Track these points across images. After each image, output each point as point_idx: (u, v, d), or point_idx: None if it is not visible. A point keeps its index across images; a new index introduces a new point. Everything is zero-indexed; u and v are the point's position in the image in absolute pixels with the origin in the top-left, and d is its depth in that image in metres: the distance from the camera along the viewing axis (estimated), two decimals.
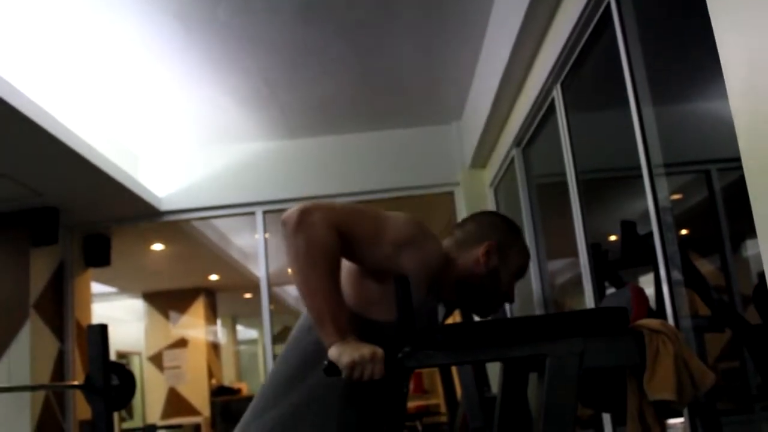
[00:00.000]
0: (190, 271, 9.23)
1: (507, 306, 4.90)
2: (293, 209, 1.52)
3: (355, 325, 1.55)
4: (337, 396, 1.61)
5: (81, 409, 5.47)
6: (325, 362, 1.47)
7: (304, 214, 1.50)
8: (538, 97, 4.03)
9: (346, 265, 1.65)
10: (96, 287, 7.17)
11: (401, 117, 5.62)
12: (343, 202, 1.60)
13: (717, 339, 3.77)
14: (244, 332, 13.93)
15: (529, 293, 4.81)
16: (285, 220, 1.52)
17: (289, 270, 1.54)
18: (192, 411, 9.48)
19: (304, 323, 1.71)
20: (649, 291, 2.75)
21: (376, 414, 1.69)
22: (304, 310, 1.70)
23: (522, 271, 1.86)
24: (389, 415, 1.74)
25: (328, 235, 1.51)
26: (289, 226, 1.51)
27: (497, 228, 1.84)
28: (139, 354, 10.35)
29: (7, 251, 5.31)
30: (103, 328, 2.94)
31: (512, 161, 4.93)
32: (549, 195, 4.74)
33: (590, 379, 1.64)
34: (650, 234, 2.78)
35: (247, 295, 10.80)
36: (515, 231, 1.87)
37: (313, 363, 1.60)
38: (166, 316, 9.95)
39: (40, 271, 5.44)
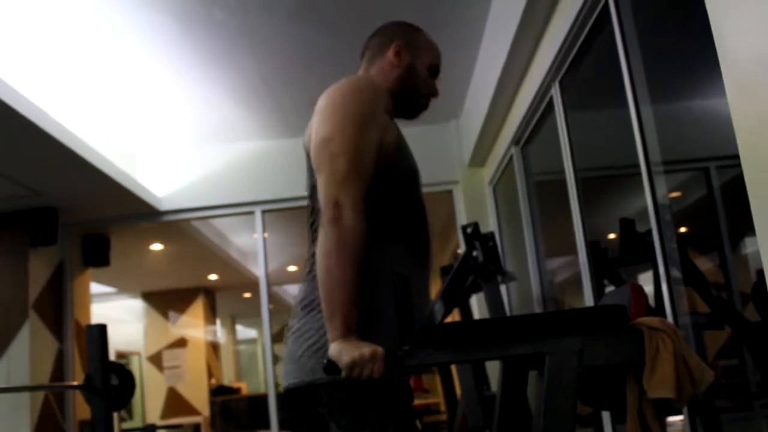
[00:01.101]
0: (189, 270, 9.23)
1: (507, 306, 4.90)
2: (327, 198, 1.55)
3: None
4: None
5: (80, 409, 5.47)
6: (325, 360, 1.47)
7: (337, 205, 1.54)
8: (536, 96, 4.03)
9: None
10: (95, 287, 7.17)
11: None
12: (341, 146, 1.60)
13: (716, 336, 3.77)
14: (243, 332, 13.93)
15: (528, 291, 4.81)
16: (324, 210, 1.56)
17: (318, 254, 1.54)
18: (191, 411, 9.48)
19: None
20: (648, 289, 2.75)
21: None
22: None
23: (435, 63, 1.93)
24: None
25: (360, 222, 1.54)
26: (326, 217, 1.55)
27: (398, 30, 1.94)
28: (138, 354, 10.34)
29: (6, 252, 5.31)
30: (102, 328, 2.94)
31: (511, 159, 4.92)
32: (548, 193, 4.74)
33: (590, 377, 1.64)
34: (649, 232, 2.78)
35: (247, 295, 10.80)
36: (416, 28, 1.96)
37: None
38: (166, 316, 9.95)
39: (39, 271, 5.44)
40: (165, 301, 9.97)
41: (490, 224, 5.56)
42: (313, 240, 1.69)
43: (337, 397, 1.55)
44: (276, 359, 5.86)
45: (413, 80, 1.87)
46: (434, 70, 1.93)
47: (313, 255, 1.66)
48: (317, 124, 1.70)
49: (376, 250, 1.61)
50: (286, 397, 1.71)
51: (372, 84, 1.79)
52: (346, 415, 1.56)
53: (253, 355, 14.20)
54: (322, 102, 1.74)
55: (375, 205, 1.62)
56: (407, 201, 1.77)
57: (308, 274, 1.69)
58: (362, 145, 1.62)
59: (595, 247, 3.60)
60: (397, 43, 1.88)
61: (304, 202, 1.78)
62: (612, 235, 3.87)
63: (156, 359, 9.80)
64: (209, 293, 10.40)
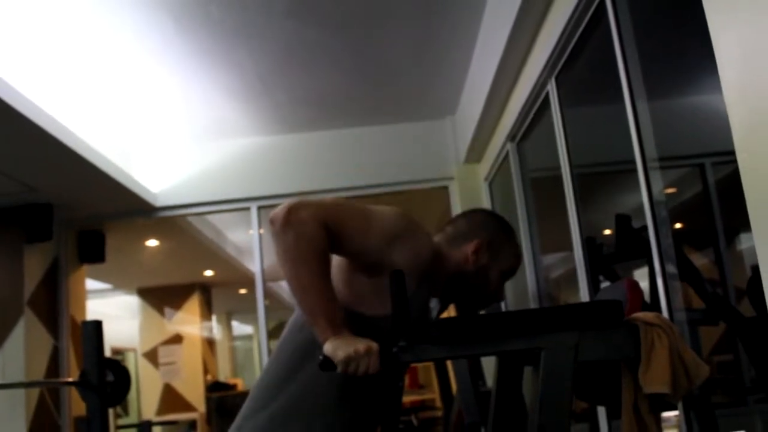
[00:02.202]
0: (184, 267, 9.22)
1: (502, 302, 4.90)
2: (280, 207, 1.52)
3: (347, 321, 1.55)
4: (331, 390, 1.61)
5: (76, 405, 5.46)
6: (320, 357, 1.47)
7: (291, 212, 1.50)
8: (532, 92, 4.03)
9: (336, 260, 1.65)
10: (90, 284, 7.15)
11: (395, 112, 5.61)
12: (331, 198, 1.59)
13: (711, 332, 3.78)
14: (239, 328, 13.93)
15: (524, 287, 4.82)
16: (272, 219, 1.51)
17: (281, 268, 1.53)
18: (187, 407, 9.47)
19: (295, 320, 1.71)
20: (644, 284, 2.75)
21: (371, 408, 1.69)
22: (296, 308, 1.69)
23: (511, 271, 1.85)
24: (384, 410, 1.74)
25: (316, 230, 1.50)
26: (277, 224, 1.50)
27: (489, 226, 1.83)
28: (134, 350, 10.33)
29: (1, 248, 5.29)
30: (97, 325, 2.94)
31: (507, 156, 4.92)
32: (543, 189, 4.75)
33: (585, 372, 1.64)
34: (645, 227, 2.78)
35: (242, 291, 10.80)
36: (507, 230, 1.86)
37: (303, 359, 1.60)
38: (161, 312, 9.94)
39: (34, 267, 5.42)
40: (160, 298, 9.95)
41: None
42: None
43: None
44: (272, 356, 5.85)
45: (481, 282, 1.79)
46: (509, 273, 1.85)
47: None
48: None
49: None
50: None
51: (421, 230, 1.70)
52: None
53: (249, 351, 14.21)
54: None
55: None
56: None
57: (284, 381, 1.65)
58: (356, 217, 1.59)
59: (590, 243, 3.61)
60: (479, 241, 1.78)
61: None
62: (608, 231, 3.88)
63: (152, 355, 9.79)
64: (205, 289, 10.39)
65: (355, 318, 1.59)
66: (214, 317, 11.02)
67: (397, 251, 1.61)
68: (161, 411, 9.46)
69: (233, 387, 10.44)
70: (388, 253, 1.60)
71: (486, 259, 1.78)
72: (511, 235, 1.87)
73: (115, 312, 9.92)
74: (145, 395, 9.75)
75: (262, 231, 5.90)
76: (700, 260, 4.12)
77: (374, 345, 1.46)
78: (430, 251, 1.68)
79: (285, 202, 1.53)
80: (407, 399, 8.68)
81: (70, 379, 5.22)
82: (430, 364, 6.82)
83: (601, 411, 3.53)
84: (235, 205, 5.95)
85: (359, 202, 1.67)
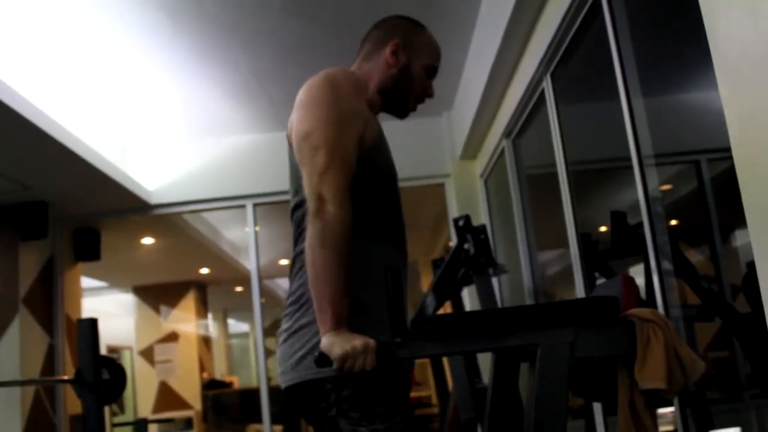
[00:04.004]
0: (180, 264, 9.21)
1: (498, 298, 4.91)
2: (310, 191, 1.56)
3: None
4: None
5: (72, 403, 5.46)
6: (317, 353, 1.47)
7: (320, 198, 1.53)
8: (528, 88, 4.03)
9: None
10: (86, 282, 7.15)
11: None
12: (322, 138, 1.60)
13: (707, 328, 3.79)
14: (235, 326, 13.92)
15: (520, 284, 4.82)
16: (310, 197, 1.56)
17: (306, 248, 1.54)
18: (183, 405, 9.46)
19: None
20: (639, 281, 2.75)
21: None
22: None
23: (434, 64, 1.90)
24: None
25: (343, 213, 1.53)
26: (310, 209, 1.55)
27: (399, 26, 1.90)
28: (129, 348, 10.32)
29: None
30: (93, 323, 2.94)
31: (503, 152, 4.93)
32: (539, 186, 4.75)
33: (581, 368, 1.64)
34: (640, 224, 2.79)
35: (238, 289, 10.79)
36: (417, 23, 1.92)
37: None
38: (157, 310, 9.92)
39: (29, 265, 5.41)
40: (156, 296, 9.94)
41: (481, 217, 5.56)
42: (298, 236, 1.69)
43: (345, 395, 1.55)
44: (268, 353, 5.85)
45: (407, 81, 1.85)
46: (432, 71, 1.90)
47: (300, 252, 1.66)
48: (297, 120, 1.70)
49: (359, 247, 1.60)
50: (285, 396, 1.68)
51: (351, 77, 1.76)
52: (356, 410, 1.54)
53: (244, 348, 14.19)
54: (301, 96, 1.73)
55: (355, 202, 1.61)
56: (386, 198, 1.76)
57: (297, 272, 1.68)
58: (342, 137, 1.62)
59: (586, 239, 3.61)
60: (395, 41, 1.84)
61: None
62: (603, 228, 3.88)
63: (147, 353, 9.78)
64: (201, 287, 10.38)
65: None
66: (210, 315, 11.01)
67: (361, 109, 1.69)
68: (157, 409, 9.45)
69: (229, 385, 10.43)
70: (362, 117, 1.69)
71: (405, 57, 1.84)
72: (422, 27, 1.93)
73: (110, 310, 9.90)
74: (141, 393, 9.74)
75: (257, 228, 5.90)
76: (695, 257, 4.12)
77: (371, 342, 1.46)
78: (352, 83, 1.74)
79: (310, 182, 1.57)
80: None
81: (66, 377, 5.22)
82: (427, 361, 6.83)
83: (597, 407, 3.54)
84: (231, 202, 5.94)
85: (321, 108, 1.66)
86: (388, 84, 1.84)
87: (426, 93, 1.90)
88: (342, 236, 1.52)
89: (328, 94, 1.68)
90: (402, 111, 1.92)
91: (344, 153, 1.60)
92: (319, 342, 1.52)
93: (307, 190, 1.58)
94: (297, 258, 1.69)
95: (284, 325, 1.68)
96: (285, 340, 1.66)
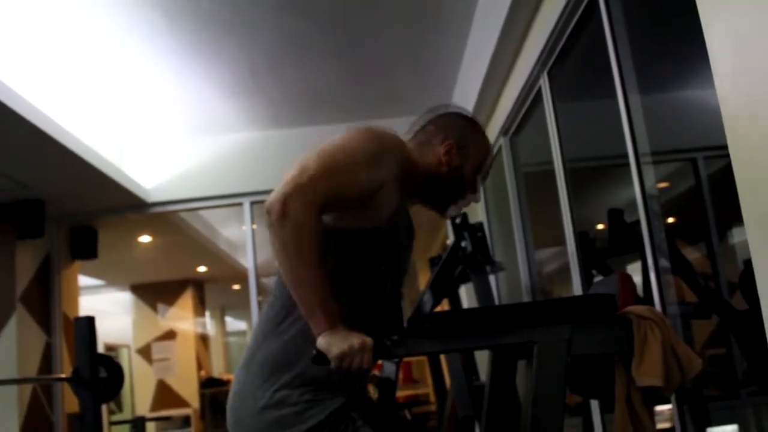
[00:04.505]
0: (177, 262, 9.20)
1: (496, 296, 4.91)
2: (276, 197, 1.50)
3: (331, 239, 1.57)
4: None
5: (69, 401, 5.45)
6: (314, 351, 1.47)
7: (287, 202, 1.48)
8: (525, 86, 4.03)
9: None
10: (83, 280, 7.13)
11: (388, 106, 5.60)
12: (316, 164, 1.55)
13: (704, 326, 3.80)
14: (232, 323, 13.92)
15: (517, 281, 4.83)
16: (268, 209, 1.50)
17: (276, 260, 1.53)
18: (181, 403, 9.47)
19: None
20: (637, 279, 2.76)
21: (376, 316, 1.70)
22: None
23: (484, 164, 1.88)
24: (391, 312, 1.75)
25: (313, 221, 1.50)
26: (273, 215, 1.49)
27: (456, 126, 1.86)
28: (127, 346, 10.31)
29: None
30: (90, 321, 2.94)
31: (499, 150, 4.93)
32: (536, 184, 4.75)
33: (578, 365, 1.65)
34: (637, 222, 2.79)
35: (236, 287, 10.78)
36: (474, 126, 1.90)
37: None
38: (154, 308, 9.92)
39: (26, 264, 5.40)
40: (154, 294, 9.93)
41: (478, 215, 5.56)
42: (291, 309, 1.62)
43: None
44: None
45: (455, 182, 1.81)
46: (480, 171, 1.87)
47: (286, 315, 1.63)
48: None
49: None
50: None
51: (396, 142, 1.72)
52: None
53: (242, 347, 14.14)
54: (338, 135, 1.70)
55: (342, 262, 1.60)
56: (372, 278, 1.67)
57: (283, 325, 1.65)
58: (345, 169, 1.58)
59: (583, 237, 3.61)
60: (451, 142, 1.80)
61: None
62: (600, 226, 3.89)
63: (145, 351, 9.77)
64: (198, 285, 10.37)
65: (339, 235, 1.61)
66: (207, 313, 11.00)
67: (382, 170, 1.63)
68: (155, 407, 9.45)
69: (227, 383, 10.41)
70: (377, 176, 1.62)
71: (458, 158, 1.81)
72: (479, 129, 1.90)
73: (107, 308, 9.90)
74: (139, 391, 9.74)
75: (255, 226, 5.89)
76: (692, 254, 4.14)
77: (368, 340, 1.46)
78: (406, 160, 1.72)
79: (279, 189, 1.51)
80: (401, 394, 8.69)
81: (63, 376, 5.20)
82: (424, 359, 6.83)
83: (595, 404, 3.54)
84: (228, 200, 5.93)
85: (335, 147, 1.64)
86: (434, 179, 1.79)
87: (472, 198, 1.87)
88: (311, 236, 1.49)
89: (356, 136, 1.67)
90: (442, 208, 1.87)
91: (336, 182, 1.55)
92: (261, 408, 1.55)
93: (273, 193, 1.51)
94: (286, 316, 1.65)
95: (238, 377, 1.67)
96: (236, 400, 1.65)
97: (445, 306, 4.65)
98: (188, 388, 9.59)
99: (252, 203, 5.88)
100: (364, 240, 1.63)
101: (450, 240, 4.81)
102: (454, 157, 1.80)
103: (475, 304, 4.57)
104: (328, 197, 1.54)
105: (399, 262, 1.75)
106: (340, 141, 1.64)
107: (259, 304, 5.83)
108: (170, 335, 9.82)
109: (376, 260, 1.66)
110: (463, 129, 1.85)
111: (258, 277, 5.85)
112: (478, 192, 1.88)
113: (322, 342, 1.47)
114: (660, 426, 2.85)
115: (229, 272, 9.16)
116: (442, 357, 4.42)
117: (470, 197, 1.87)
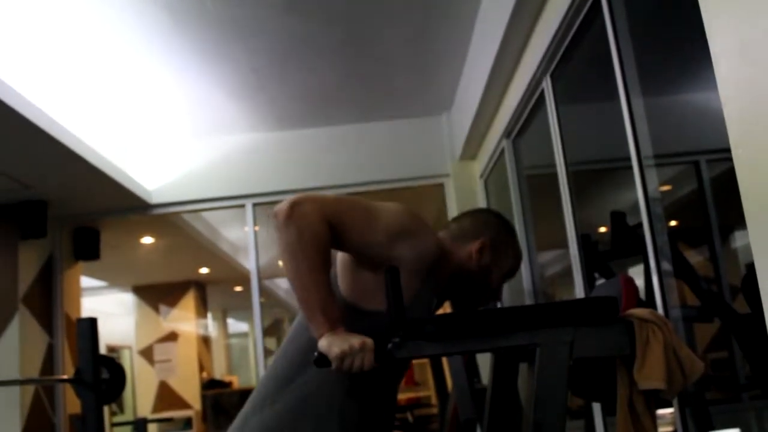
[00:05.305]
0: (180, 264, 9.21)
1: None
2: (284, 201, 1.52)
3: (350, 316, 1.55)
4: (338, 388, 1.61)
5: (71, 403, 5.45)
6: (315, 353, 1.47)
7: (295, 206, 1.50)
8: (528, 88, 4.03)
9: (340, 255, 1.65)
10: (85, 281, 7.15)
11: (391, 108, 5.61)
12: (335, 195, 1.60)
13: (706, 329, 3.79)
14: (234, 325, 13.91)
15: (520, 284, 4.82)
16: (276, 212, 1.52)
17: (280, 261, 1.53)
18: (183, 404, 9.47)
19: (303, 318, 1.70)
20: (639, 282, 2.76)
21: (377, 405, 1.69)
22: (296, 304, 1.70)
23: (512, 271, 1.87)
24: (388, 406, 1.74)
25: (319, 226, 1.51)
26: (280, 218, 1.51)
27: (493, 226, 1.85)
28: (129, 348, 10.32)
29: None
30: (92, 322, 2.93)
31: (502, 152, 4.93)
32: (539, 186, 4.75)
33: (580, 368, 1.64)
34: (640, 225, 2.78)
35: (238, 288, 10.79)
36: (510, 231, 1.88)
37: (311, 357, 1.60)
38: (157, 310, 9.93)
39: (28, 264, 5.41)
40: (156, 295, 9.94)
41: None
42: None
43: None
44: (267, 353, 5.85)
45: (483, 280, 1.81)
46: (510, 273, 1.87)
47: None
48: None
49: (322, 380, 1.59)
50: None
51: (427, 227, 1.71)
52: None
53: (244, 348, 14.18)
54: None
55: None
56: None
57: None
58: (362, 211, 1.60)
59: (586, 240, 3.61)
60: (483, 240, 1.79)
61: None
62: (603, 229, 3.88)
63: (147, 353, 9.78)
64: (200, 287, 10.38)
65: (357, 314, 1.60)
66: (209, 315, 11.01)
67: (402, 247, 1.61)
68: (157, 408, 9.46)
69: (229, 384, 10.44)
70: (393, 249, 1.60)
71: (489, 258, 1.79)
72: (514, 237, 1.89)
73: (110, 309, 9.91)
74: (141, 393, 9.74)
75: (257, 228, 5.90)
76: (695, 257, 4.13)
77: (369, 341, 1.46)
78: (434, 248, 1.68)
79: (288, 197, 1.53)
80: (403, 396, 8.69)
81: (65, 377, 5.22)
82: (426, 361, 6.82)
83: (597, 407, 3.54)
84: (231, 202, 5.94)
85: (363, 199, 1.67)
86: (462, 274, 1.79)
87: (495, 297, 1.87)
88: (320, 241, 1.50)
89: (395, 207, 1.66)
90: (461, 304, 1.88)
91: (344, 212, 1.56)
92: None
93: (282, 204, 1.52)
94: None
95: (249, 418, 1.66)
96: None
97: (446, 309, 4.64)
98: (190, 390, 9.60)
99: (254, 205, 5.88)
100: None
101: None
102: (486, 256, 1.79)
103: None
104: (334, 217, 1.54)
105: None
106: (377, 202, 1.65)
107: (261, 305, 5.83)
108: (172, 337, 9.83)
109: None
110: (499, 231, 1.85)
111: (260, 279, 5.86)
112: (500, 297, 1.87)
113: (323, 343, 1.47)
114: (662, 429, 2.84)
115: (232, 274, 9.17)
116: (444, 359, 4.42)
117: (492, 298, 1.86)
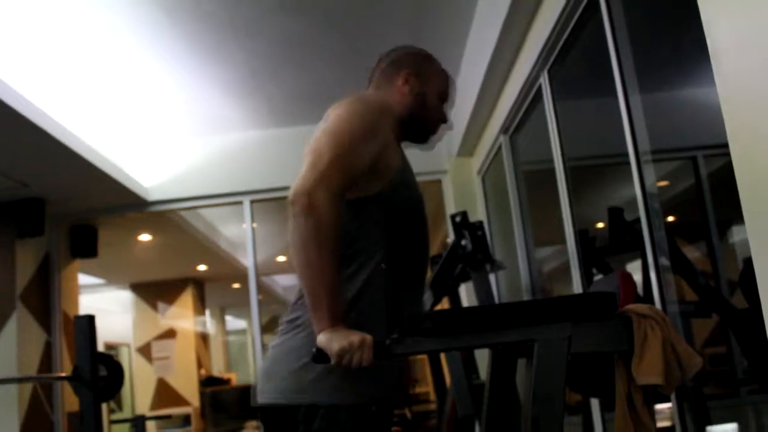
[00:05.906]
0: (178, 261, 9.20)
1: (496, 295, 4.91)
2: (300, 189, 1.52)
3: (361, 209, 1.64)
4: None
5: (69, 400, 5.45)
6: (314, 349, 1.47)
7: (311, 195, 1.51)
8: (525, 85, 4.03)
9: None
10: (83, 278, 7.13)
11: None
12: (330, 152, 1.58)
13: (704, 324, 3.80)
14: (232, 322, 13.92)
15: (517, 280, 4.83)
16: (293, 200, 1.53)
17: (290, 249, 1.54)
18: (181, 401, 9.46)
19: None
20: (637, 277, 2.76)
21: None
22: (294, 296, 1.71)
23: (446, 91, 1.93)
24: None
25: (336, 215, 1.53)
26: (297, 207, 1.52)
27: (406, 56, 1.93)
28: (127, 345, 10.32)
29: None
30: (90, 320, 2.93)
31: (500, 149, 4.93)
32: (536, 182, 4.75)
33: (578, 364, 1.65)
34: (637, 220, 2.79)
35: (236, 285, 10.78)
36: (425, 54, 1.96)
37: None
38: (155, 307, 9.92)
39: (26, 262, 5.40)
40: (154, 292, 9.93)
41: (478, 213, 5.56)
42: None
43: (315, 428, 1.54)
44: (266, 350, 5.85)
45: (423, 108, 1.86)
46: (444, 97, 1.92)
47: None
48: (316, 130, 1.70)
49: (367, 271, 1.61)
50: (259, 414, 1.69)
51: (381, 103, 1.78)
52: None
53: (242, 345, 14.20)
54: (328, 112, 1.74)
55: (370, 227, 1.63)
56: (405, 227, 1.73)
57: (298, 300, 1.67)
58: (353, 149, 1.61)
59: (583, 235, 3.61)
60: (407, 71, 1.87)
61: None
62: (600, 224, 3.89)
63: (145, 350, 9.78)
64: (198, 284, 10.37)
65: (368, 206, 1.66)
66: (207, 312, 11.00)
67: (381, 136, 1.68)
68: (155, 406, 9.46)
69: (227, 382, 10.43)
70: (379, 143, 1.67)
71: (417, 85, 1.86)
72: (432, 57, 1.96)
73: (108, 307, 9.89)
74: (139, 390, 9.74)
75: (255, 225, 5.89)
76: (692, 253, 4.14)
77: (368, 338, 1.47)
78: (381, 107, 1.76)
79: (301, 180, 1.53)
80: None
81: (63, 374, 5.21)
82: (424, 358, 6.83)
83: (595, 403, 3.54)
84: (228, 199, 5.94)
85: (339, 129, 1.66)
86: (404, 113, 1.84)
87: (441, 119, 1.92)
88: (332, 234, 1.52)
89: (354, 111, 1.69)
90: (422, 137, 1.93)
91: (350, 163, 1.59)
92: (299, 362, 1.56)
93: (296, 187, 1.54)
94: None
95: (276, 340, 1.69)
96: (273, 357, 1.67)
97: (445, 305, 4.65)
98: (188, 387, 9.60)
99: (252, 202, 5.88)
100: (391, 203, 1.67)
101: (450, 238, 4.81)
102: (414, 84, 1.85)
103: (474, 303, 4.57)
104: (346, 181, 1.58)
105: (425, 217, 1.83)
106: (340, 122, 1.67)
107: (259, 302, 5.83)
108: (170, 334, 9.82)
109: (408, 218, 1.73)
110: (416, 58, 1.93)
111: (258, 275, 5.85)
112: (446, 117, 1.93)
113: (322, 339, 1.48)
114: (660, 424, 2.85)
115: (230, 271, 9.17)
116: (442, 355, 4.42)
117: (439, 119, 1.92)
